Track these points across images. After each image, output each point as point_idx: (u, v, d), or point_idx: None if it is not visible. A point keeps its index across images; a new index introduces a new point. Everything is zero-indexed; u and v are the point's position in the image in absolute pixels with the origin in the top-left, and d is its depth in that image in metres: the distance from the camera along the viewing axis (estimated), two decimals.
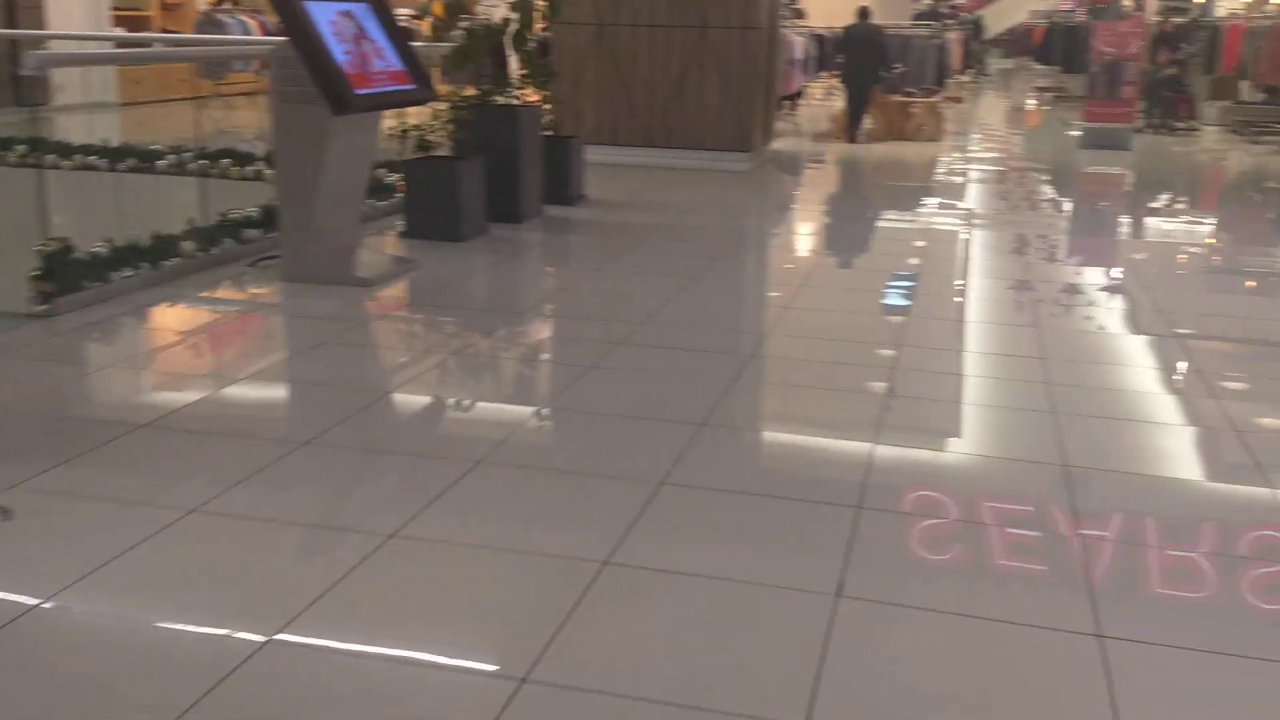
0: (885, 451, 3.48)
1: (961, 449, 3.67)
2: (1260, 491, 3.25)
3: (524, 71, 7.72)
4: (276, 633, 2.33)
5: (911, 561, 2.78)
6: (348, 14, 5.64)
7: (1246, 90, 15.52)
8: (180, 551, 2.72)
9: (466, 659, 2.30)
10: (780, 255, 7.33)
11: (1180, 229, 8.59)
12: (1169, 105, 14.85)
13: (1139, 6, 20.89)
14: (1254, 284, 6.39)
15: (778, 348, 4.78)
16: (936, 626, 2.45)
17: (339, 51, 5.37)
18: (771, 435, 3.89)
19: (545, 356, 4.77)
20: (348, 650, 2.31)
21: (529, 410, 3.86)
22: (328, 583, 2.54)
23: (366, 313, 5.15)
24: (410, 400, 3.97)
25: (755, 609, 2.50)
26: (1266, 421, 3.91)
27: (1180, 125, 14.76)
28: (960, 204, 9.12)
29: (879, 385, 4.17)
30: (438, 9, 8.05)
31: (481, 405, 4.00)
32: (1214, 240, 8.07)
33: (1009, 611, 2.52)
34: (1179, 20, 15.94)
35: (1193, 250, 7.67)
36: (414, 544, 2.75)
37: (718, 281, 6.01)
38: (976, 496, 3.14)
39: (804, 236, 8.08)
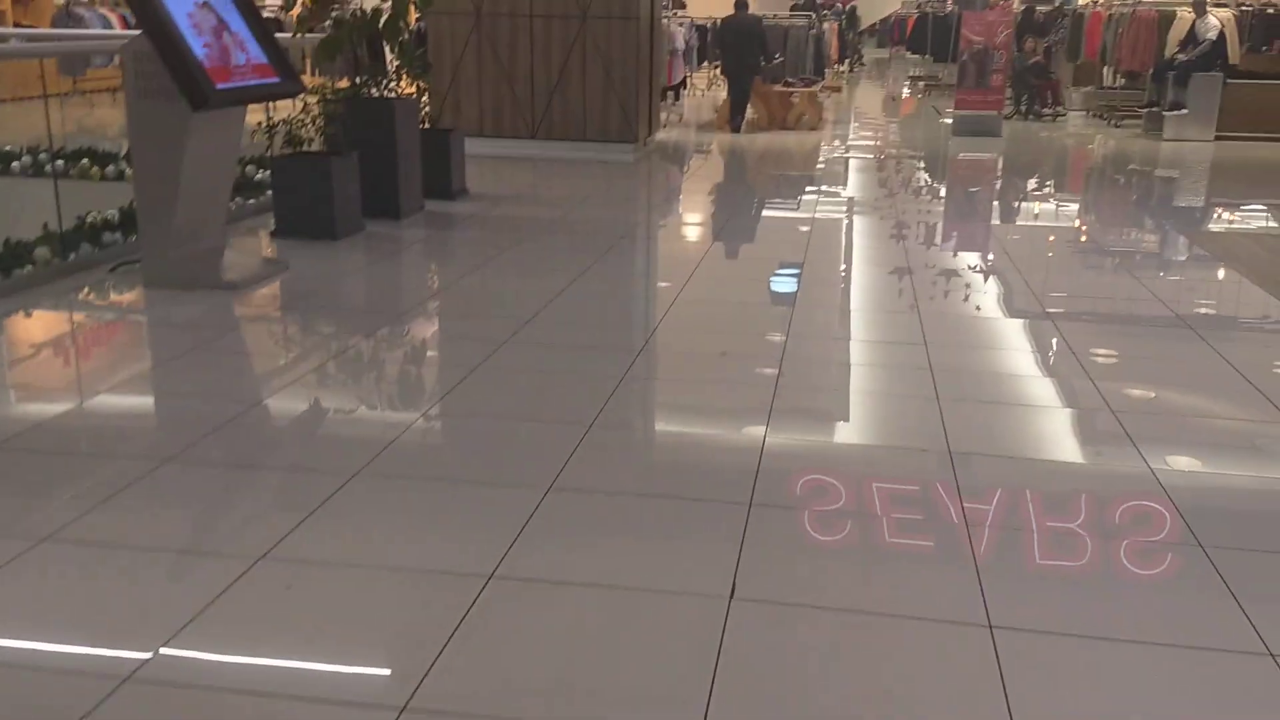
0: (776, 445, 3.45)
1: (851, 439, 3.67)
2: (1138, 468, 3.32)
3: (399, 63, 7.50)
4: (136, 669, 2.16)
5: (804, 558, 2.74)
6: (206, 5, 5.37)
7: (1108, 75, 16.15)
8: (31, 584, 2.51)
9: (344, 688, 2.17)
10: (667, 247, 7.29)
11: (1050, 212, 8.86)
12: (1035, 92, 15.35)
13: None
14: (1121, 262, 6.62)
15: (667, 341, 4.73)
16: (832, 625, 2.42)
17: (197, 44, 5.10)
18: (662, 432, 3.83)
19: (427, 359, 4.61)
20: (216, 685, 2.15)
21: (409, 416, 3.72)
22: (191, 612, 2.37)
23: (235, 318, 4.91)
24: (282, 409, 3.78)
25: (648, 618, 2.43)
26: (1137, 395, 4.01)
27: (1047, 111, 15.28)
28: (841, 191, 9.24)
29: (768, 377, 4.14)
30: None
31: (359, 412, 3.83)
32: (1082, 222, 8.34)
33: (903, 605, 2.50)
34: (1043, 8, 16.49)
35: (1063, 232, 7.91)
36: (285, 566, 2.59)
37: (605, 275, 5.93)
38: (867, 488, 3.13)
39: (691, 227, 8.06)
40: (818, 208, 8.46)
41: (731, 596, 2.49)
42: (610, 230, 7.32)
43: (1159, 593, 2.64)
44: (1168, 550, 2.82)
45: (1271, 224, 8.44)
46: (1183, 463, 3.41)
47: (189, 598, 2.44)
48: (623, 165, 10.12)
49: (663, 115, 12.98)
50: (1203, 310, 5.55)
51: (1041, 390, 4.18)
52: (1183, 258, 7.11)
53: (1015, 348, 4.75)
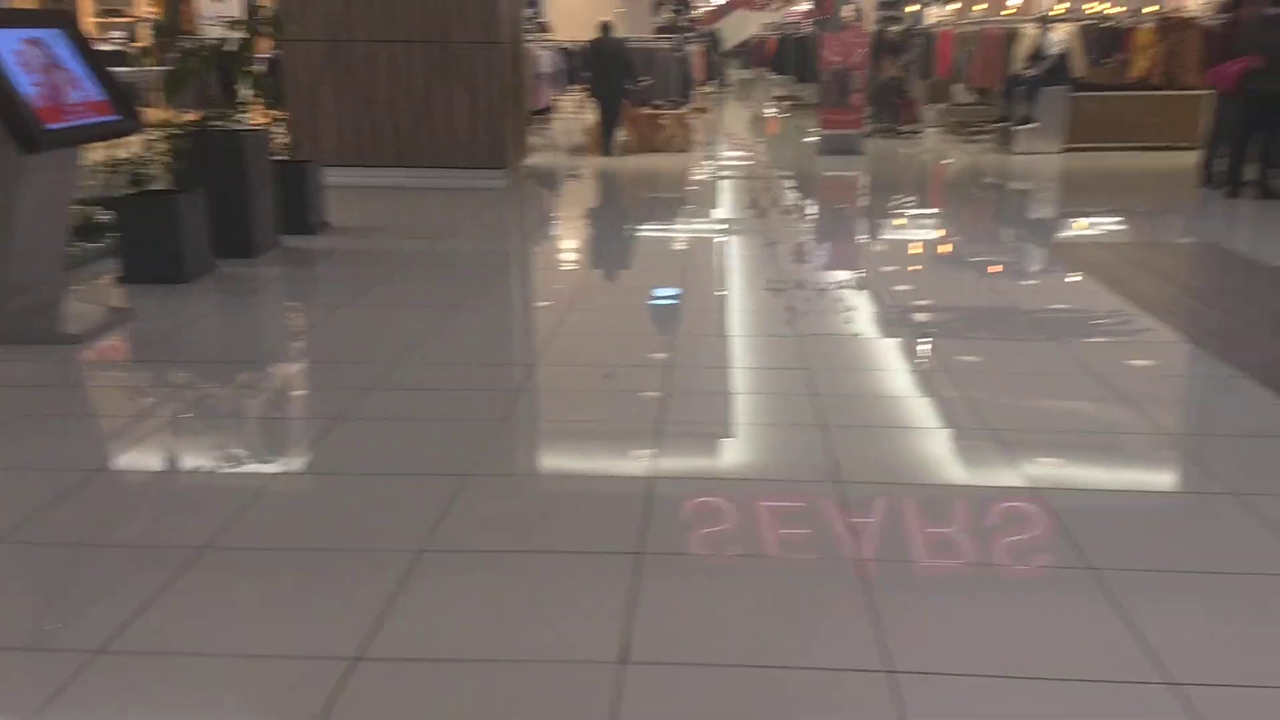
0: (664, 486, 3.30)
1: (740, 474, 3.55)
2: (1020, 485, 3.29)
3: (250, 93, 7.16)
4: None
5: (699, 611, 2.60)
6: (36, 41, 4.99)
7: (961, 92, 16.70)
8: None
9: None
10: (543, 276, 7.13)
11: (913, 226, 9.02)
12: (893, 110, 15.75)
13: (859, 17, 22.19)
14: (980, 274, 6.75)
15: (546, 379, 4.56)
16: (730, 683, 2.29)
17: (25, 83, 4.73)
18: (543, 480, 3.64)
19: (286, 410, 4.33)
20: None
21: (265, 477, 3.44)
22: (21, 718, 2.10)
23: (75, 374, 4.54)
24: (126, 477, 3.47)
25: (533, 692, 2.25)
26: (1009, 407, 4.02)
27: (904, 128, 15.69)
28: (714, 213, 9.24)
29: (653, 413, 4.01)
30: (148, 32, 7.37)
31: (209, 476, 3.51)
32: (944, 235, 8.51)
33: (801, 654, 2.39)
34: (896, 28, 16.95)
35: (926, 246, 8.04)
36: (125, 660, 2.32)
37: (479, 310, 5.72)
38: (759, 529, 3.02)
39: (566, 254, 7.92)
40: (691, 230, 8.42)
41: (623, 661, 2.34)
42: (482, 260, 7.12)
43: (1057, 621, 2.59)
44: (1060, 574, 2.79)
45: (1120, 229, 8.77)
46: (1064, 476, 3.42)
47: (13, 705, 2.16)
48: (494, 192, 9.93)
49: (532, 140, 12.83)
50: (1062, 317, 5.66)
51: (921, 411, 4.14)
52: (1039, 266, 7.31)
53: (892, 369, 4.73)
